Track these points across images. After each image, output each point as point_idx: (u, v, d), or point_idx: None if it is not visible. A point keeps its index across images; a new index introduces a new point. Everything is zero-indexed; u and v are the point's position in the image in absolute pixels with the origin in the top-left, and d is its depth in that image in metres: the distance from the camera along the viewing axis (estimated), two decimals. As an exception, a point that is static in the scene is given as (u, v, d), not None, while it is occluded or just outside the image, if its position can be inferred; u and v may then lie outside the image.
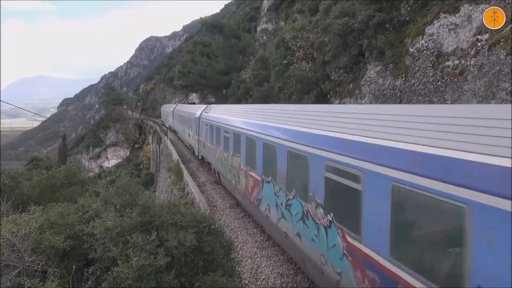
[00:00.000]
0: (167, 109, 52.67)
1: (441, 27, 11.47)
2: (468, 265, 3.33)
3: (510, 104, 9.75)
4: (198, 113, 21.56)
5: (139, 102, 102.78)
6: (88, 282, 4.66)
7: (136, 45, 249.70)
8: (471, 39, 10.29)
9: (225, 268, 5.32)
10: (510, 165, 3.07)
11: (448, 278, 3.71)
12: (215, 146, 15.93)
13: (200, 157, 21.63)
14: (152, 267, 4.28)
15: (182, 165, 22.07)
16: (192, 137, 24.75)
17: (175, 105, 45.98)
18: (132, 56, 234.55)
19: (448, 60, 10.93)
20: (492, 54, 9.36)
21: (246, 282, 8.39)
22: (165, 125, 50.97)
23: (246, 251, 10.05)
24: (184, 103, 48.16)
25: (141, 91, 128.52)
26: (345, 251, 5.41)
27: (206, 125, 18.27)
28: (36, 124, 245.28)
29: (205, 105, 23.31)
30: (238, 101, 31.91)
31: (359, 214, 4.97)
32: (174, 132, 42.91)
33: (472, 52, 10.06)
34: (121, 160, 76.14)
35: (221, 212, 13.85)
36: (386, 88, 13.43)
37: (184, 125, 30.30)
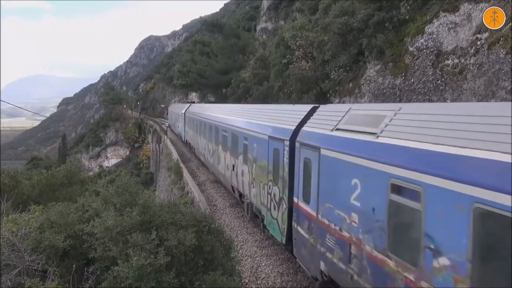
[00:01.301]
0: (176, 109, 39.90)
1: (440, 26, 11.47)
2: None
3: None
4: (288, 130, 8.54)
5: (139, 101, 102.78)
6: (88, 282, 4.67)
7: (136, 44, 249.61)
8: (470, 38, 10.29)
9: (225, 267, 5.33)
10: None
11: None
12: None
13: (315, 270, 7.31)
14: (152, 266, 4.29)
15: (181, 165, 22.09)
16: (253, 183, 11.01)
17: (188, 105, 32.34)
18: (131, 56, 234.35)
19: (447, 59, 10.92)
20: (491, 53, 9.35)
21: (246, 281, 8.40)
22: (166, 125, 45.67)
23: (246, 250, 10.06)
24: (184, 102, 47.37)
25: (140, 90, 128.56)
26: None
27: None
28: (35, 123, 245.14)
29: (309, 105, 9.00)
30: (238, 100, 31.87)
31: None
32: (187, 144, 29.88)
33: (472, 51, 10.05)
34: (121, 159, 76.20)
35: (221, 211, 13.86)
36: (385, 87, 13.43)
37: (217, 143, 16.21)
